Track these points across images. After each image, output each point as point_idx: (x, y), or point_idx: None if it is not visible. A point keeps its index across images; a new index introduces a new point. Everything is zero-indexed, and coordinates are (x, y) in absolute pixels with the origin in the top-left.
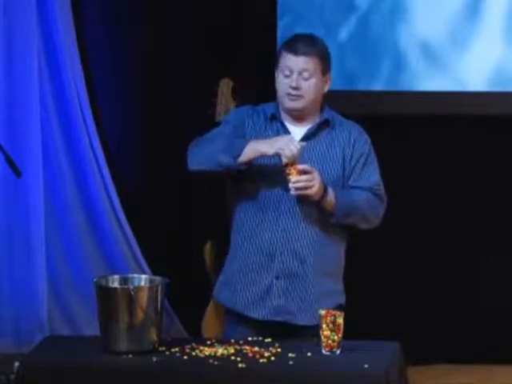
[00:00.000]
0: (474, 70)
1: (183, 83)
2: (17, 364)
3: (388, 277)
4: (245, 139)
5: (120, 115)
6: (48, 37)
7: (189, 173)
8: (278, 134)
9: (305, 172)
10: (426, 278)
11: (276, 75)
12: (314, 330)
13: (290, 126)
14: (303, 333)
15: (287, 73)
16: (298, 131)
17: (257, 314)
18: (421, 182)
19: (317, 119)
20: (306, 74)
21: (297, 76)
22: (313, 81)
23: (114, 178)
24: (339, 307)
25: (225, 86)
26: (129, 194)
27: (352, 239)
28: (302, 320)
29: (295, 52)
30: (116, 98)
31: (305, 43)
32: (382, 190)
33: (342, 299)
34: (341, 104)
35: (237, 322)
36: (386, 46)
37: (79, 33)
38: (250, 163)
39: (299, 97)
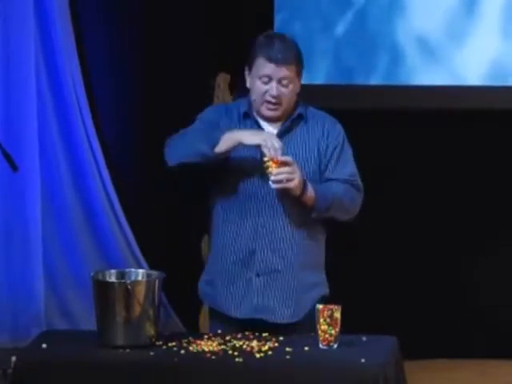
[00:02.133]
0: (471, 65)
1: (183, 82)
2: (14, 359)
3: (386, 272)
4: (222, 131)
5: (118, 113)
6: (46, 35)
7: (169, 171)
8: (252, 128)
9: (286, 164)
10: (423, 273)
11: (249, 77)
12: (295, 327)
13: (264, 124)
14: (283, 331)
15: (265, 80)
16: (271, 129)
17: (237, 312)
18: (418, 176)
19: (290, 115)
20: (285, 82)
21: (276, 84)
22: (291, 87)
23: (111, 173)
24: (322, 299)
25: (222, 81)
26: (126, 189)
27: (350, 235)
28: (281, 317)
29: (275, 61)
30: (115, 96)
31: (282, 49)
32: (358, 180)
33: (325, 290)
34: (338, 98)
35: (220, 320)
36: (383, 41)
37: (77, 31)
38: (227, 153)
39: (278, 105)
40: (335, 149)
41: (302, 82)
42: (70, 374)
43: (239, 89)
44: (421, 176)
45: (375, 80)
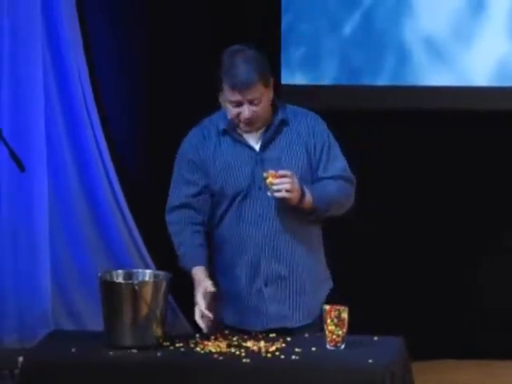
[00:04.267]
0: (478, 65)
1: (187, 78)
2: (21, 359)
3: (391, 273)
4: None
5: (124, 108)
6: (53, 34)
7: None
8: (234, 144)
9: (285, 176)
10: (429, 274)
11: (221, 98)
12: (309, 328)
13: (244, 134)
14: (298, 333)
15: (235, 104)
16: (253, 138)
17: (253, 325)
18: (425, 177)
19: (270, 120)
20: (256, 101)
21: (248, 105)
22: (262, 103)
23: (118, 171)
24: (330, 292)
25: None
26: (133, 187)
27: (355, 237)
28: (296, 322)
29: (239, 88)
30: (120, 91)
31: (244, 72)
32: (349, 173)
33: (331, 284)
34: (345, 99)
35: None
36: (390, 41)
37: (84, 32)
38: None
39: (254, 123)
40: (323, 146)
41: (309, 82)
42: (77, 374)
43: None
44: (428, 176)
45: (382, 80)
